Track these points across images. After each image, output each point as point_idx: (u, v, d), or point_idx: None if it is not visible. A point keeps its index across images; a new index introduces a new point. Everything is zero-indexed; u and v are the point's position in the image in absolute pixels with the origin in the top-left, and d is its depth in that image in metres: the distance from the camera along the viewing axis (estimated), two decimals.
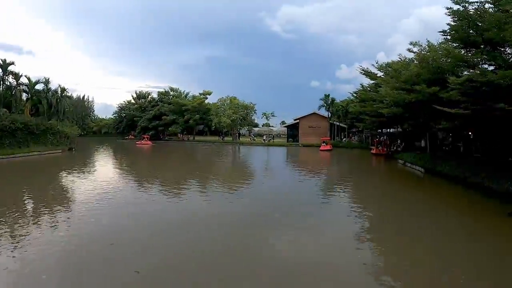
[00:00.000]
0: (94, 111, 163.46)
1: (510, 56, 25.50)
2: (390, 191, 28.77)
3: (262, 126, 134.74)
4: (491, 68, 26.51)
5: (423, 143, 52.21)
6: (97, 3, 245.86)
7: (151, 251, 12.32)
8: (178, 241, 13.61)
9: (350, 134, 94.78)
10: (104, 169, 38.13)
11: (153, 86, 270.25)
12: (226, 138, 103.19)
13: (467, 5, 25.97)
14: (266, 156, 64.03)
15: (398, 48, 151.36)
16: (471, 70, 25.16)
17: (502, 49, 25.53)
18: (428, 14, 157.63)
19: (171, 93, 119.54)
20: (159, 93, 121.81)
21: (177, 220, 16.94)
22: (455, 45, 29.18)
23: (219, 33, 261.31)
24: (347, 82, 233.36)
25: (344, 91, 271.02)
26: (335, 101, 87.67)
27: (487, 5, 25.58)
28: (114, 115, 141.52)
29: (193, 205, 20.41)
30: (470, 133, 39.13)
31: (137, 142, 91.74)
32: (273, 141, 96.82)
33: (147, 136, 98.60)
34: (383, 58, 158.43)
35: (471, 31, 26.32)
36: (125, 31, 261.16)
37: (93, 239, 13.34)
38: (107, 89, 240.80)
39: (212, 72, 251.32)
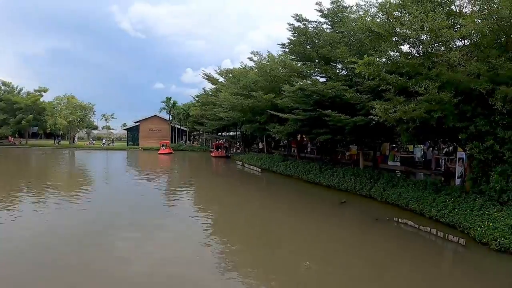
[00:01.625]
0: None
1: (340, 70, 28.70)
2: (230, 189, 30.96)
3: (102, 128, 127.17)
4: (323, 80, 29.61)
5: (260, 145, 55.33)
6: None
7: None
8: None
9: (192, 137, 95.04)
10: None
11: None
12: (62, 142, 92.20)
13: (307, 23, 28.71)
14: (105, 162, 58.23)
15: (243, 57, 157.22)
16: (304, 80, 27.67)
17: (334, 64, 28.60)
18: (274, 29, 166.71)
19: (3, 88, 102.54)
20: None
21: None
22: (292, 57, 31.85)
23: (64, 23, 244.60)
24: (192, 86, 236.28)
25: (188, 95, 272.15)
26: (176, 104, 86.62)
27: (325, 26, 28.83)
28: None
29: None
30: (303, 136, 42.68)
31: None
32: (113, 145, 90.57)
33: None
34: (228, 65, 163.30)
35: (308, 46, 29.04)
36: None
37: None
38: None
39: (53, 66, 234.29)
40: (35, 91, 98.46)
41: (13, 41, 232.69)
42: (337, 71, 28.47)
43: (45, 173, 40.62)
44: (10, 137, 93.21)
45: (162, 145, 73.44)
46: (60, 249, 13.64)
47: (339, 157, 35.15)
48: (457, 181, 21.07)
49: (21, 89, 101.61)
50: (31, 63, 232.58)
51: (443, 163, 25.53)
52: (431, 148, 28.36)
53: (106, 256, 13.26)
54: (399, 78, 18.27)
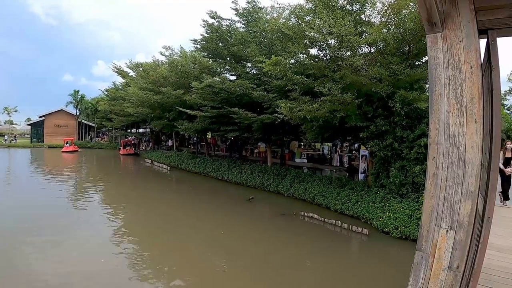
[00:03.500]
0: None
1: (250, 69, 28.75)
2: (138, 187, 29.86)
3: (4, 123, 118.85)
4: (233, 77, 29.59)
5: (170, 143, 54.59)
6: None
7: None
8: None
9: (100, 134, 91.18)
10: None
11: None
12: None
13: (221, 20, 28.51)
14: (7, 160, 51.80)
15: (157, 52, 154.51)
16: (213, 77, 27.49)
17: (244, 63, 28.64)
18: (193, 27, 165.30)
19: None
20: None
21: None
22: (204, 54, 31.46)
23: None
24: (104, 80, 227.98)
25: (98, 89, 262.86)
26: (84, 98, 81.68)
27: (238, 24, 28.77)
28: None
29: None
30: (209, 132, 42.62)
31: None
32: (15, 142, 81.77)
33: None
34: (142, 59, 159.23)
35: (220, 44, 28.81)
36: None
37: None
38: None
39: None
40: None
41: None
42: (247, 70, 28.56)
43: None
44: None
45: (66, 142, 68.01)
46: None
47: (247, 155, 35.39)
48: (361, 177, 22.80)
49: None
50: None
51: (346, 160, 26.66)
52: (336, 146, 29.21)
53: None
54: (305, 79, 19.02)
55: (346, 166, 25.90)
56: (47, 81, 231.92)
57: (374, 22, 18.26)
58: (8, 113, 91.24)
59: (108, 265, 11.97)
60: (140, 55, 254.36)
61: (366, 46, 18.34)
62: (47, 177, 34.47)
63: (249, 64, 28.69)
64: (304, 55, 21.04)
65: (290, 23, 20.33)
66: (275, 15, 26.29)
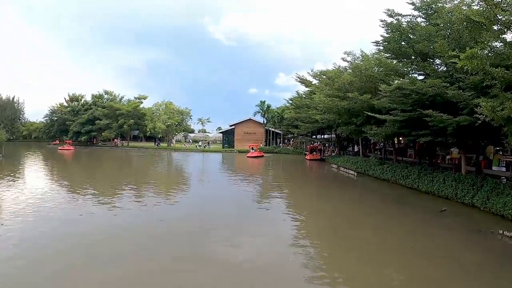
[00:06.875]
0: (24, 113, 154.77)
1: (439, 66, 27.01)
2: (328, 192, 30.08)
3: (198, 132, 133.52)
4: (421, 77, 28.10)
5: (356, 148, 54.18)
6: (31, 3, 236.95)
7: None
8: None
9: (286, 140, 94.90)
10: (33, 176, 36.64)
11: (88, 88, 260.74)
12: (161, 144, 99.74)
13: (400, 18, 27.16)
14: (201, 162, 61.51)
15: (334, 59, 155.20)
16: (401, 79, 26.33)
17: (431, 60, 26.94)
18: (362, 29, 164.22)
19: (106, 96, 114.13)
20: (93, 96, 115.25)
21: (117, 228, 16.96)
22: (387, 55, 30.50)
23: (159, 36, 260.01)
24: (285, 90, 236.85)
25: (282, 99, 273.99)
26: (270, 108, 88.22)
27: (419, 19, 27.04)
28: (45, 118, 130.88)
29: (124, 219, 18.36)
30: (400, 138, 41.12)
31: (59, 148, 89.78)
32: (208, 147, 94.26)
33: (70, 141, 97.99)
34: (320, 67, 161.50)
35: (402, 43, 27.55)
36: (62, 31, 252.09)
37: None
38: (40, 91, 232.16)
39: (150, 76, 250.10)
40: (135, 98, 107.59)
41: (113, 55, 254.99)
42: (436, 67, 26.78)
43: (146, 172, 43.63)
44: (114, 139, 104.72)
45: (252, 148, 72.19)
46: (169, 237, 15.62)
47: (439, 161, 33.03)
48: None
49: (122, 97, 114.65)
50: (130, 74, 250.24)
51: None
52: None
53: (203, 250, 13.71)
54: (505, 71, 16.42)
55: None
56: (235, 95, 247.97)
57: None
58: (202, 123, 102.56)
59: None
60: (318, 64, 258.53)
61: None
62: (238, 177, 39.58)
63: (437, 61, 26.94)
64: (500, 43, 19.02)
65: (477, 8, 18.49)
66: (456, 2, 24.12)
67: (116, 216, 19.04)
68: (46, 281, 10.58)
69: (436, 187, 25.93)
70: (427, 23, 26.28)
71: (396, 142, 40.97)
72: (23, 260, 11.95)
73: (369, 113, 31.76)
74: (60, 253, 12.80)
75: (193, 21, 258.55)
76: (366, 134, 35.83)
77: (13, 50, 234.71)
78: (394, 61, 29.91)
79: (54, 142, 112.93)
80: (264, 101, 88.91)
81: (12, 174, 35.37)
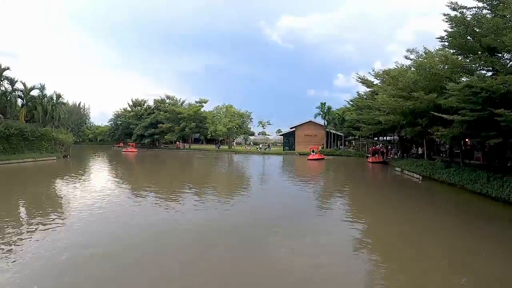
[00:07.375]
0: (90, 118, 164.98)
1: (509, 61, 25.28)
2: (393, 197, 28.86)
3: (258, 134, 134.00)
4: (489, 74, 26.38)
5: (420, 150, 52.16)
6: (92, 11, 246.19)
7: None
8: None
9: (347, 142, 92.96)
10: (98, 177, 37.98)
11: (149, 93, 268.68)
12: (222, 147, 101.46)
13: (464, 11, 25.70)
14: (262, 164, 61.31)
15: (393, 57, 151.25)
16: (470, 76, 24.73)
17: (500, 55, 25.30)
18: (423, 24, 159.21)
19: (167, 101, 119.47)
20: (155, 101, 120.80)
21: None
22: (452, 51, 28.93)
23: (217, 41, 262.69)
24: (344, 91, 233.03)
25: (341, 100, 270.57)
26: (331, 109, 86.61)
27: (484, 11, 25.37)
28: (110, 122, 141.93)
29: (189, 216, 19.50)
30: (467, 140, 39.05)
31: (123, 150, 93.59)
32: (269, 150, 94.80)
33: (133, 144, 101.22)
34: (379, 67, 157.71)
35: (468, 37, 26.05)
36: (123, 38, 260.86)
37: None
38: (104, 96, 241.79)
39: (209, 80, 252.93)
40: (196, 102, 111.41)
41: (174, 61, 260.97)
42: (505, 62, 24.99)
43: (208, 174, 45.30)
44: (177, 142, 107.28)
45: (312, 151, 71.73)
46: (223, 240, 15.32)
47: (509, 165, 30.61)
48: None
49: (183, 101, 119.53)
50: (190, 79, 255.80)
51: None
52: None
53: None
54: None
55: None
56: (294, 97, 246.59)
57: None
58: (262, 126, 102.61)
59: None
60: (377, 63, 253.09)
61: None
62: (299, 179, 39.37)
63: (506, 56, 25.20)
64: None
65: None
66: None
67: (199, 212, 20.42)
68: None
69: (506, 193, 23.15)
70: (493, 15, 24.57)
71: (462, 143, 39.07)
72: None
73: (436, 113, 30.24)
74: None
75: (248, 25, 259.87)
76: (432, 136, 34.30)
77: (78, 59, 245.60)
78: (459, 57, 28.18)
79: (118, 145, 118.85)
80: (325, 102, 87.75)
81: (80, 173, 38.60)
